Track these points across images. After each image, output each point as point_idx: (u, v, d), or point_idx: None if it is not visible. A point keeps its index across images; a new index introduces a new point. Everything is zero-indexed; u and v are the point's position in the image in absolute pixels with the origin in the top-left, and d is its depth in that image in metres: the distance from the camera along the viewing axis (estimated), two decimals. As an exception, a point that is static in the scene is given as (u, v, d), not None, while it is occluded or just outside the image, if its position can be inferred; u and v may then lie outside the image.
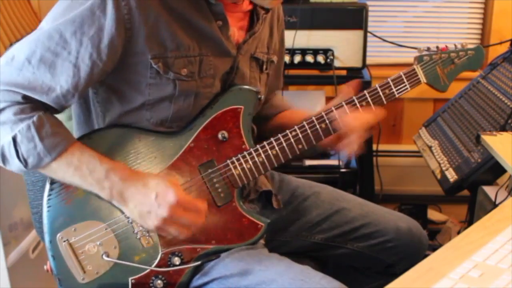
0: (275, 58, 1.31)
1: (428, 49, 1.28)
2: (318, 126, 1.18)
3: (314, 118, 1.18)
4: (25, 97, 1.03)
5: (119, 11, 1.01)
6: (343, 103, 1.19)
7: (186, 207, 1.05)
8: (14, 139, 1.02)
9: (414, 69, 1.26)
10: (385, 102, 1.23)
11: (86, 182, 1.05)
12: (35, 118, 1.02)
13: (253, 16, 1.21)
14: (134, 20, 1.03)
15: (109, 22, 1.01)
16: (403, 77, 1.25)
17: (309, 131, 1.17)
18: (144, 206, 1.04)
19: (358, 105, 1.20)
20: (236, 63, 1.18)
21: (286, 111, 1.40)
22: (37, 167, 1.05)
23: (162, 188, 1.04)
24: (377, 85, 1.22)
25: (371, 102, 1.21)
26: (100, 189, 1.05)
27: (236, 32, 1.19)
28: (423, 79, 1.27)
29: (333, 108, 1.18)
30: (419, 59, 1.27)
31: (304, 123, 1.17)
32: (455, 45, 1.31)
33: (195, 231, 1.09)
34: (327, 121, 1.18)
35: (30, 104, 1.03)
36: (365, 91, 1.21)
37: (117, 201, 1.06)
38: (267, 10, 1.22)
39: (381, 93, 1.22)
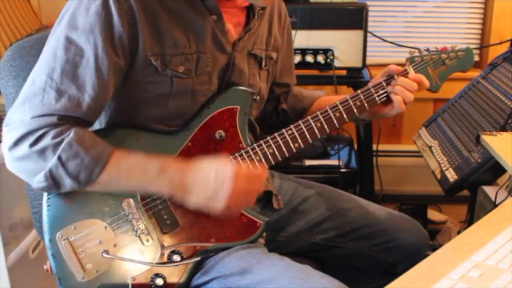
0: (274, 55, 1.32)
1: (419, 50, 1.31)
2: (313, 125, 1.19)
3: (309, 118, 1.19)
4: (60, 118, 1.02)
5: (120, 7, 1.03)
6: (337, 102, 1.21)
7: (247, 175, 1.07)
8: (59, 159, 1.01)
9: (406, 70, 1.28)
10: (378, 102, 1.24)
11: (142, 183, 1.06)
12: (72, 134, 1.01)
13: (250, 13, 1.22)
14: (134, 16, 1.04)
15: (115, 19, 1.03)
16: (396, 77, 1.26)
17: (304, 129, 1.18)
18: (208, 188, 1.05)
19: (352, 105, 1.22)
20: (232, 59, 1.18)
21: (320, 99, 1.42)
22: (89, 182, 1.04)
23: (218, 166, 1.05)
24: (370, 86, 1.24)
25: (364, 102, 1.22)
26: (159, 186, 1.06)
27: (232, 28, 1.19)
28: None
29: (327, 108, 1.20)
30: (410, 60, 1.30)
31: (300, 122, 1.19)
32: (446, 47, 1.34)
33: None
34: (322, 120, 1.20)
35: (65, 125, 1.02)
36: (359, 91, 1.23)
37: (180, 193, 1.06)
38: (263, 7, 1.23)
39: (374, 93, 1.23)
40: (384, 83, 1.24)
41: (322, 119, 1.19)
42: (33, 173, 1.04)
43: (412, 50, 1.31)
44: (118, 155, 1.05)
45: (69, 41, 1.03)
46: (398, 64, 1.29)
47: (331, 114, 1.20)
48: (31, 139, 1.01)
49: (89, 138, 1.03)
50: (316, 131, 1.19)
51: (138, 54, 1.07)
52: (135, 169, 1.05)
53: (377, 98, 1.23)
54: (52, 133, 1.01)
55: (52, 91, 1.02)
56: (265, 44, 1.28)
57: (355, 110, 1.22)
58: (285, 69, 1.40)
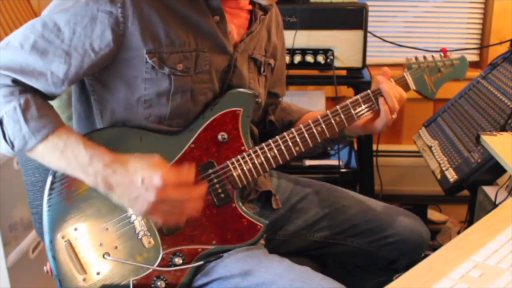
0: (272, 62, 1.32)
1: (416, 58, 1.34)
2: (314, 129, 1.20)
3: (310, 121, 1.20)
4: (14, 81, 1.03)
5: (112, 4, 1.03)
6: (337, 106, 1.22)
7: (175, 185, 1.02)
8: (1, 120, 1.02)
9: (403, 76, 1.31)
10: (376, 107, 1.25)
11: (71, 166, 1.04)
12: (22, 100, 1.02)
13: (252, 17, 1.22)
14: (127, 14, 1.04)
15: (101, 14, 1.03)
16: (394, 83, 1.28)
17: (305, 133, 1.19)
18: (132, 192, 1.02)
19: (352, 110, 1.23)
20: (233, 61, 1.18)
21: (308, 115, 1.41)
22: (23, 150, 1.04)
23: (147, 171, 1.01)
24: (369, 91, 1.25)
25: (364, 108, 1.24)
26: (84, 175, 1.03)
27: (235, 30, 1.19)
28: (412, 85, 1.33)
29: (327, 112, 1.21)
30: (408, 66, 1.33)
31: (301, 125, 1.19)
32: (440, 56, 1.37)
33: (192, 208, 1.06)
34: (323, 125, 1.20)
35: (20, 87, 1.03)
36: (358, 96, 1.24)
37: (103, 188, 1.03)
38: (265, 11, 1.23)
39: (373, 99, 1.24)
40: (372, 96, 1.25)
41: (322, 123, 1.20)
42: None
43: (409, 58, 1.33)
44: (60, 133, 1.03)
45: (50, 18, 1.04)
46: (398, 65, 1.31)
47: (331, 118, 1.21)
48: None
49: (37, 109, 1.02)
50: (317, 135, 1.20)
51: (131, 52, 1.07)
52: (69, 151, 1.03)
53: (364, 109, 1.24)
54: (2, 91, 1.02)
55: (20, 58, 1.03)
56: (264, 50, 1.29)
57: (354, 116, 1.23)
58: (278, 79, 1.40)
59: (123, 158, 1.04)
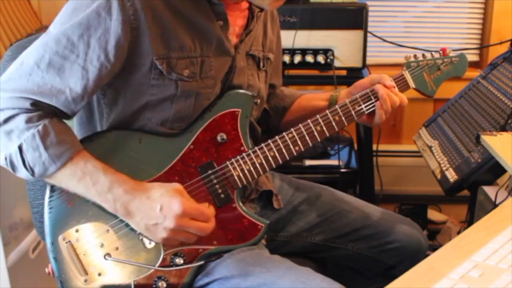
0: (270, 56, 1.32)
1: (415, 56, 1.33)
2: (313, 129, 1.19)
3: (309, 121, 1.20)
4: (34, 104, 1.02)
5: (124, 11, 1.02)
6: (337, 106, 1.22)
7: (193, 215, 1.04)
8: (20, 148, 1.01)
9: (402, 75, 1.31)
10: (375, 105, 1.24)
11: (89, 193, 1.04)
12: (40, 127, 1.01)
13: (249, 15, 1.22)
14: (140, 20, 1.03)
15: (115, 23, 1.02)
16: (393, 83, 1.28)
17: (305, 133, 1.19)
18: (151, 219, 1.03)
19: (351, 109, 1.23)
20: (235, 62, 1.18)
21: (301, 98, 1.42)
22: (43, 176, 1.04)
23: (167, 199, 1.03)
24: (367, 90, 1.25)
25: (363, 107, 1.24)
26: (103, 201, 1.04)
27: (235, 31, 1.19)
28: (411, 84, 1.33)
29: (327, 112, 1.21)
30: (407, 65, 1.33)
31: (300, 125, 1.19)
32: (439, 53, 1.37)
33: (205, 235, 1.08)
34: (322, 124, 1.20)
35: (38, 112, 1.03)
36: (357, 95, 1.24)
37: (122, 214, 1.05)
38: (261, 9, 1.23)
39: (372, 98, 1.24)
40: (371, 96, 1.25)
41: (322, 122, 1.20)
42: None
43: (408, 55, 1.33)
44: (78, 159, 1.04)
45: (62, 33, 1.03)
46: (398, 65, 1.31)
47: (331, 117, 1.21)
48: (3, 116, 1.02)
49: (56, 135, 1.02)
50: (316, 134, 1.20)
51: (142, 58, 1.06)
52: (87, 178, 1.03)
53: (364, 109, 1.24)
54: (23, 116, 1.02)
55: (37, 78, 1.02)
56: (261, 45, 1.29)
57: (354, 115, 1.23)
58: (274, 70, 1.41)
59: (143, 185, 1.06)
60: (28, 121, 1.01)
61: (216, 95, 1.17)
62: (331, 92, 1.36)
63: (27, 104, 1.02)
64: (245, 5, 1.20)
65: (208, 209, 1.07)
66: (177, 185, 1.06)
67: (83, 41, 1.02)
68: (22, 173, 1.04)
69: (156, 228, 1.03)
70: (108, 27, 1.02)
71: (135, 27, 1.03)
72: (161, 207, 1.02)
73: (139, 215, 1.04)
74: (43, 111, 1.04)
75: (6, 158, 1.03)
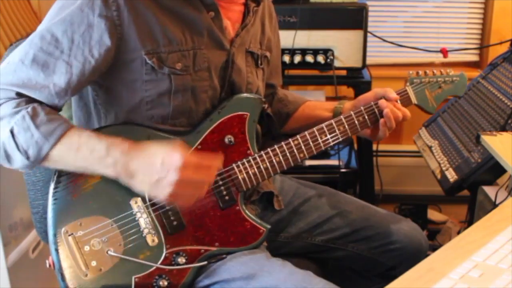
0: (268, 54, 1.33)
1: (417, 73, 1.35)
2: (319, 137, 1.21)
3: (315, 129, 1.21)
4: (18, 94, 1.04)
5: (107, 8, 1.03)
6: (342, 117, 1.23)
7: (196, 165, 1.02)
8: (11, 132, 1.02)
9: (406, 90, 1.33)
10: (379, 118, 1.26)
11: (88, 162, 1.03)
12: (29, 109, 1.02)
13: (245, 10, 1.22)
14: (123, 17, 1.04)
15: (97, 19, 1.03)
16: (398, 105, 1.28)
17: (310, 140, 1.20)
18: (153, 175, 1.01)
19: (355, 120, 1.24)
20: (231, 56, 1.19)
21: (305, 105, 1.43)
22: (38, 157, 1.03)
23: (167, 152, 1.01)
24: (372, 103, 1.27)
25: (367, 119, 1.25)
26: (104, 167, 1.03)
27: (230, 25, 1.20)
28: (413, 99, 1.34)
29: (332, 122, 1.22)
30: (410, 81, 1.34)
31: (306, 133, 1.20)
32: (440, 72, 1.39)
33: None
34: (327, 134, 1.21)
35: (25, 98, 1.04)
36: (361, 107, 1.26)
37: (124, 176, 1.03)
38: (257, 3, 1.24)
39: (376, 111, 1.26)
40: (376, 110, 1.26)
41: (327, 131, 1.21)
42: None
43: (411, 72, 1.35)
44: (71, 133, 1.03)
45: (47, 30, 1.04)
46: (398, 65, 1.31)
47: (336, 127, 1.22)
48: None
49: (46, 114, 1.03)
50: (321, 143, 1.21)
51: (130, 55, 1.07)
52: (83, 148, 1.02)
53: (368, 120, 1.26)
54: (9, 104, 1.02)
55: (22, 74, 1.03)
56: (259, 43, 1.29)
57: (358, 126, 1.25)
58: (274, 69, 1.41)
59: (141, 144, 1.04)
60: (17, 105, 1.02)
61: (213, 89, 1.17)
62: (336, 104, 1.36)
63: (12, 94, 1.03)
64: (239, 0, 1.20)
65: (210, 159, 1.06)
66: (177, 141, 1.05)
67: (66, 36, 1.03)
68: (17, 160, 1.03)
69: (160, 183, 1.01)
70: (91, 23, 1.03)
71: (119, 23, 1.04)
72: (162, 161, 1.00)
73: (141, 173, 1.02)
74: (29, 99, 1.04)
75: (0, 148, 1.03)
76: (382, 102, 1.25)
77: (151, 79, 1.09)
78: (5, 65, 1.06)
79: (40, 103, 1.05)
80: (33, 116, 1.02)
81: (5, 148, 1.03)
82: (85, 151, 1.02)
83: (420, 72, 1.36)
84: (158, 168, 1.00)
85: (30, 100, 1.04)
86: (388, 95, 1.27)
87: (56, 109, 1.08)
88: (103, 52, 1.04)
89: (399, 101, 1.29)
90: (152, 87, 1.10)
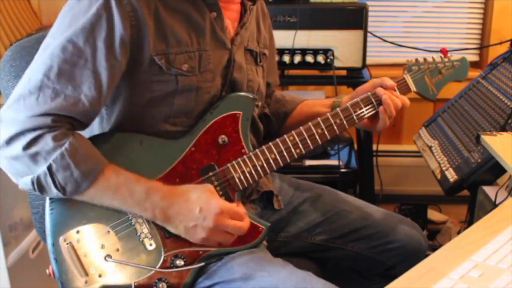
0: (266, 51, 1.33)
1: (417, 60, 1.34)
2: (314, 131, 1.20)
3: (310, 124, 1.20)
4: (55, 120, 1.01)
5: (122, 9, 1.03)
6: (338, 109, 1.23)
7: (230, 214, 1.07)
8: (49, 169, 1.01)
9: (404, 78, 1.31)
10: (376, 111, 1.25)
11: (126, 204, 1.05)
12: (67, 145, 1.00)
13: (242, 9, 1.23)
14: (138, 16, 1.04)
15: (117, 21, 1.02)
16: (396, 93, 1.28)
17: (306, 135, 1.19)
18: (190, 221, 1.06)
19: (352, 112, 1.23)
20: (232, 55, 1.19)
21: (302, 104, 1.43)
22: (75, 194, 1.04)
23: (205, 200, 1.05)
24: (369, 93, 1.26)
25: (364, 110, 1.24)
26: (142, 210, 1.06)
27: (230, 24, 1.20)
28: (412, 87, 1.33)
29: (328, 115, 1.21)
30: (408, 68, 1.33)
31: (301, 128, 1.19)
32: (440, 57, 1.37)
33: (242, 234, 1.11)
34: (323, 127, 1.20)
35: (61, 130, 1.02)
36: (358, 98, 1.25)
37: (161, 220, 1.06)
38: (253, 2, 1.24)
39: (373, 101, 1.25)
40: (373, 99, 1.25)
41: (323, 125, 1.20)
42: (20, 174, 1.04)
43: (409, 59, 1.33)
44: (108, 172, 1.04)
45: (67, 40, 1.02)
46: (398, 65, 1.31)
47: (332, 120, 1.21)
48: (25, 140, 1.00)
49: (83, 151, 1.02)
50: (317, 137, 1.20)
51: (142, 55, 1.07)
52: (122, 189, 1.04)
53: (365, 112, 1.25)
54: (47, 137, 1.00)
55: (49, 90, 1.01)
56: (257, 41, 1.29)
57: (355, 118, 1.24)
58: (269, 68, 1.41)
59: (179, 189, 1.08)
60: (55, 140, 1.00)
61: (216, 89, 1.17)
62: (333, 99, 1.36)
63: (48, 122, 1.00)
64: None
65: (240, 208, 1.11)
66: (210, 186, 1.09)
67: (89, 44, 1.02)
68: (52, 193, 1.03)
69: (196, 229, 1.06)
70: (112, 26, 1.02)
71: (135, 24, 1.04)
72: (200, 208, 1.05)
73: (178, 219, 1.06)
74: (65, 127, 1.03)
75: (33, 182, 1.02)
76: (379, 90, 1.24)
77: (158, 80, 1.09)
78: (25, 84, 1.02)
79: (73, 130, 1.03)
80: (72, 154, 1.01)
81: (39, 182, 1.02)
82: (124, 193, 1.05)
83: (419, 59, 1.34)
84: (196, 215, 1.05)
85: (66, 128, 1.02)
86: (385, 83, 1.26)
87: (92, 120, 1.08)
88: (124, 54, 1.04)
89: (397, 90, 1.28)
90: (158, 87, 1.10)
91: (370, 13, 2.01)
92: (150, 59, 1.07)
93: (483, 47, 2.65)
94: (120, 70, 1.05)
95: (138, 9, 1.04)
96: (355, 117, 1.23)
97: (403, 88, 1.31)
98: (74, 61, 1.02)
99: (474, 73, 2.05)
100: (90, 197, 1.05)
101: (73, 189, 1.03)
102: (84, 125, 1.08)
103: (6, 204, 1.68)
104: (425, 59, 1.35)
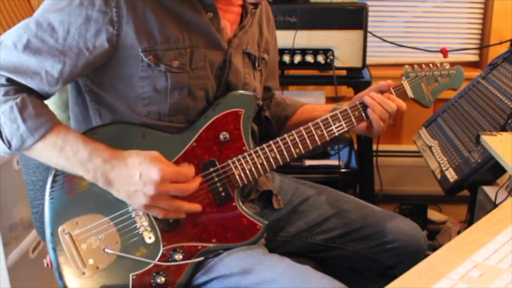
0: (266, 56, 1.33)
1: (413, 67, 1.35)
2: (314, 132, 1.21)
3: (310, 125, 1.21)
4: (9, 80, 1.04)
5: (107, 4, 1.04)
6: (337, 111, 1.24)
7: (172, 178, 1.05)
8: None
9: (401, 84, 1.33)
10: (363, 113, 1.27)
11: (70, 163, 1.05)
12: (18, 100, 1.02)
13: (243, 12, 1.23)
14: (122, 13, 1.05)
15: (96, 14, 1.04)
16: (392, 91, 1.30)
17: (306, 136, 1.21)
18: (131, 186, 1.04)
19: (351, 115, 1.25)
20: (228, 57, 1.19)
21: (303, 108, 1.44)
22: (21, 149, 1.04)
23: (146, 166, 1.03)
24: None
25: (363, 114, 1.26)
26: (84, 171, 1.05)
27: (228, 26, 1.20)
28: (410, 93, 1.35)
29: (327, 116, 1.23)
30: (405, 75, 1.35)
31: (301, 128, 1.21)
32: (437, 65, 1.39)
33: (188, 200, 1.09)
34: (323, 129, 1.22)
35: (15, 86, 1.04)
36: (357, 102, 1.27)
37: (102, 183, 1.05)
38: (255, 6, 1.24)
39: (359, 106, 1.27)
40: (359, 105, 1.27)
41: (322, 126, 1.22)
42: None
43: (406, 66, 1.34)
44: (58, 131, 1.04)
45: (44, 18, 1.04)
46: (398, 65, 1.31)
47: (331, 122, 1.23)
48: None
49: (34, 108, 1.03)
50: (317, 138, 1.22)
51: (127, 51, 1.07)
52: (68, 148, 1.04)
53: (353, 119, 1.26)
54: (1, 90, 1.02)
55: (13, 58, 1.03)
56: (257, 45, 1.30)
57: (353, 120, 1.26)
58: (271, 72, 1.42)
59: (122, 154, 1.06)
60: (5, 94, 1.02)
61: (210, 87, 1.17)
62: (334, 105, 1.37)
63: (2, 80, 1.03)
64: (237, 0, 1.20)
65: (187, 169, 1.09)
66: (154, 153, 1.06)
67: (63, 27, 1.04)
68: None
69: (137, 195, 1.04)
70: (89, 17, 1.04)
71: (118, 20, 1.05)
72: (140, 174, 1.03)
73: (119, 183, 1.05)
74: (19, 86, 1.04)
75: None
76: (364, 96, 1.26)
77: (147, 76, 1.10)
78: None
79: (30, 91, 1.05)
80: (21, 108, 1.02)
81: None
82: (69, 152, 1.04)
83: (416, 66, 1.36)
84: (136, 180, 1.03)
85: (20, 87, 1.04)
86: (379, 87, 1.28)
87: (46, 97, 1.08)
88: (98, 47, 1.05)
89: (394, 94, 1.30)
90: (148, 83, 1.10)
91: (370, 13, 2.01)
92: (137, 56, 1.08)
93: (483, 47, 2.65)
94: (91, 61, 1.06)
95: (123, 5, 1.05)
96: (353, 119, 1.26)
97: (401, 94, 1.32)
98: (44, 37, 1.04)
99: (474, 73, 2.05)
100: (38, 153, 1.05)
101: (17, 144, 1.03)
102: (40, 96, 1.08)
103: (6, 204, 1.68)
104: (421, 66, 1.37)
